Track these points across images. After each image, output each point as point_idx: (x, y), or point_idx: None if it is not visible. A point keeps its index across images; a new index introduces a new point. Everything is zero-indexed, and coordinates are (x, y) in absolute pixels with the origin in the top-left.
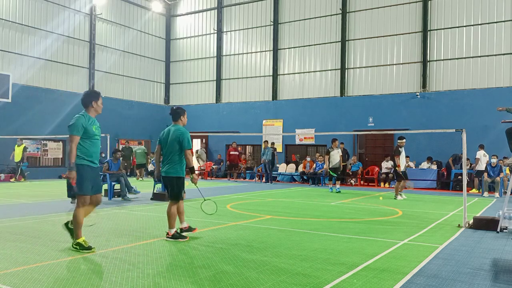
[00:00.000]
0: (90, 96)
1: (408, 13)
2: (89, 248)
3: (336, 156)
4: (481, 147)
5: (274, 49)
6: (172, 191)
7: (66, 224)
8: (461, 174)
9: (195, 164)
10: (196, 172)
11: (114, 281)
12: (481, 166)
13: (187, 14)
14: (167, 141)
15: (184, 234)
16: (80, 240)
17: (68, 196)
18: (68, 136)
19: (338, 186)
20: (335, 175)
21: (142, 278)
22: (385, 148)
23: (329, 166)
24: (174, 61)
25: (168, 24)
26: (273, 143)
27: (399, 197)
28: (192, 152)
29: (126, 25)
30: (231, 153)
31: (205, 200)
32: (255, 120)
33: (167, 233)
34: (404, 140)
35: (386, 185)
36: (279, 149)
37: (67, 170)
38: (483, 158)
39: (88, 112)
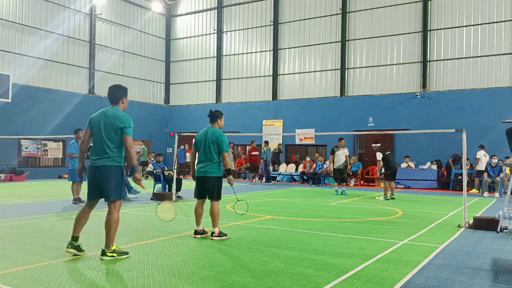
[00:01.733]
0: (122, 91)
1: (408, 13)
2: (126, 252)
3: (341, 156)
4: (481, 147)
5: (274, 49)
6: (214, 191)
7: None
8: (461, 174)
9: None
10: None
11: (114, 281)
12: (481, 166)
13: (187, 14)
14: (205, 142)
15: (197, 236)
16: (115, 247)
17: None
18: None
19: (343, 188)
20: (332, 178)
21: (142, 278)
22: (385, 148)
23: (333, 166)
24: (174, 61)
25: (168, 24)
26: (280, 144)
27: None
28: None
29: (126, 25)
30: (253, 153)
31: (238, 200)
32: (255, 120)
33: (213, 233)
34: (375, 145)
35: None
36: None
37: (134, 172)
38: (483, 158)
39: (119, 108)
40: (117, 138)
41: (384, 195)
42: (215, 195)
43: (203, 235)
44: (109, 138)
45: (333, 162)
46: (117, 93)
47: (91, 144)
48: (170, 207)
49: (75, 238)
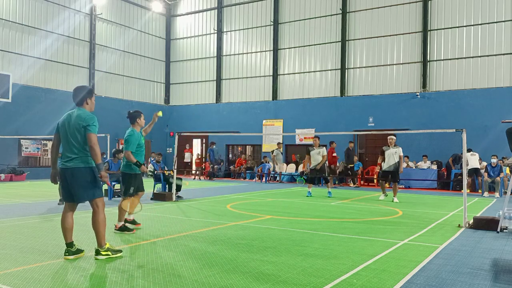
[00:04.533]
0: (85, 92)
1: (408, 13)
2: (120, 250)
3: (315, 156)
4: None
5: (274, 49)
6: (124, 187)
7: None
8: (461, 174)
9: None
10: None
11: (114, 281)
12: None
13: (187, 14)
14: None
15: (128, 225)
16: (108, 245)
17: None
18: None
19: (329, 189)
20: (302, 178)
21: (142, 278)
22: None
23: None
24: (174, 61)
25: (168, 24)
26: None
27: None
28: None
29: (126, 25)
30: (334, 154)
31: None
32: (255, 120)
33: (115, 226)
34: (391, 138)
35: (386, 185)
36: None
37: (99, 171)
38: (470, 158)
39: (85, 108)
40: (82, 138)
41: (384, 193)
42: (124, 191)
43: (136, 225)
44: (74, 139)
45: (310, 163)
46: (80, 94)
47: None
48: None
49: (69, 244)
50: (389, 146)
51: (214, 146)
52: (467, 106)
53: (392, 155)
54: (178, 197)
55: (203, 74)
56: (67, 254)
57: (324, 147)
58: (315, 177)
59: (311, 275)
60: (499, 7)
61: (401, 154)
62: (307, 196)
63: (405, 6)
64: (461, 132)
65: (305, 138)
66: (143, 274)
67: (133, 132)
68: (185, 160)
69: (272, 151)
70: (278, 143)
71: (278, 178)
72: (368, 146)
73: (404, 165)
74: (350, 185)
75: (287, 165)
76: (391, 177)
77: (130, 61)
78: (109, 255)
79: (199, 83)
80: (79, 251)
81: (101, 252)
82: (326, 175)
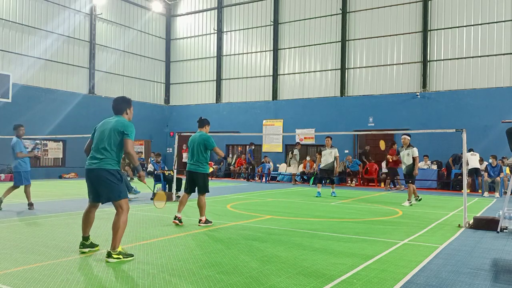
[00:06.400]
0: (125, 103)
1: (408, 13)
2: (131, 255)
3: (327, 156)
4: (469, 150)
5: (274, 49)
6: (201, 185)
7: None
8: (461, 174)
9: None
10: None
11: (115, 281)
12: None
13: (187, 14)
14: (193, 144)
15: (176, 221)
16: (120, 249)
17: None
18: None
19: (333, 190)
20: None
21: (142, 278)
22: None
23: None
24: (174, 61)
25: (168, 24)
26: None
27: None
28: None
29: (126, 25)
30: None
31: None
32: (255, 120)
33: (200, 220)
34: (404, 138)
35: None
36: (279, 149)
37: (137, 172)
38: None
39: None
40: (116, 141)
41: (413, 199)
42: (202, 189)
43: (179, 224)
44: (107, 141)
45: (321, 162)
46: (120, 105)
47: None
48: (163, 196)
49: (85, 238)
50: (403, 146)
51: (253, 147)
52: (467, 106)
53: (405, 157)
54: (178, 197)
55: (203, 74)
56: (81, 247)
57: (336, 148)
58: (323, 177)
59: (311, 275)
60: (499, 7)
61: (414, 155)
62: (316, 196)
63: (405, 6)
64: (461, 132)
65: (305, 138)
66: (143, 274)
67: (207, 133)
68: (184, 160)
69: (292, 151)
70: (297, 143)
71: (277, 179)
72: (371, 146)
73: (422, 164)
74: (351, 185)
75: (287, 165)
76: (408, 177)
77: (130, 61)
78: (120, 258)
79: (199, 83)
80: (94, 245)
81: (113, 255)
82: (334, 176)
